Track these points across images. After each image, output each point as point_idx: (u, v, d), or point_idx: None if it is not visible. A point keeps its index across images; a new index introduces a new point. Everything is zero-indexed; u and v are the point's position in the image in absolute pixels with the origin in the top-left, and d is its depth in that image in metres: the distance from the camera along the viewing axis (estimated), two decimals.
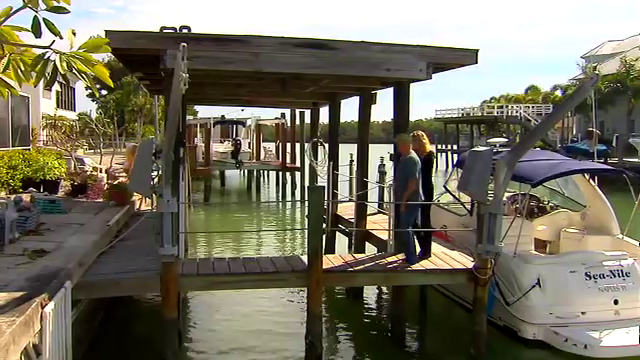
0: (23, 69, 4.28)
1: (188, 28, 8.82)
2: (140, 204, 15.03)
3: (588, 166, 12.58)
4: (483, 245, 8.97)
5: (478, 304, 9.23)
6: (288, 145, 36.00)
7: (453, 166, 16.64)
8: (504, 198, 9.10)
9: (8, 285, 6.66)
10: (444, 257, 10.33)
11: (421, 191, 9.88)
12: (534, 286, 9.64)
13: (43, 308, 6.10)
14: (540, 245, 11.64)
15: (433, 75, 9.88)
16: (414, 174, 9.68)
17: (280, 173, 36.11)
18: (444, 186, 13.48)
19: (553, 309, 9.61)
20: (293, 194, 33.50)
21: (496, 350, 9.48)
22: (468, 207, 11.57)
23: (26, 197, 12.49)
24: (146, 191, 9.06)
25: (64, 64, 3.92)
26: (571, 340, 9.18)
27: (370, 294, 12.91)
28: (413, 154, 9.85)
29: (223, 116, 38.63)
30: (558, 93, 72.06)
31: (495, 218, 8.80)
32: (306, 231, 9.39)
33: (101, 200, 14.61)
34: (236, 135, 42.79)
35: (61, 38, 3.94)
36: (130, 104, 59.65)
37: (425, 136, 10.48)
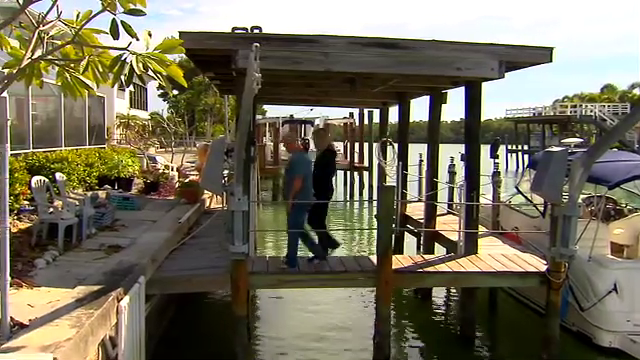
0: (101, 70, 4.41)
1: (259, 28, 8.90)
2: (210, 202, 15.31)
3: None
4: (557, 248, 8.72)
5: (551, 308, 8.98)
6: (356, 145, 35.88)
7: (524, 167, 16.26)
8: (579, 200, 8.82)
9: (86, 279, 6.92)
10: (516, 259, 10.11)
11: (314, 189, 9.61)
12: (610, 292, 9.33)
13: (119, 302, 6.30)
14: (617, 249, 11.20)
15: (505, 74, 9.67)
16: (297, 172, 9.44)
17: (348, 172, 36.15)
18: (516, 187, 13.21)
19: (631, 316, 9.27)
20: (361, 194, 33.55)
21: (569, 357, 9.23)
22: (541, 209, 11.28)
23: (102, 194, 12.92)
24: (217, 189, 9.22)
25: (140, 65, 4.01)
26: None
27: (439, 295, 12.76)
28: (303, 153, 9.77)
29: (292, 115, 38.98)
30: (636, 92, 69.41)
31: (570, 220, 8.53)
32: (374, 231, 9.32)
33: (172, 198, 14.98)
34: (304, 134, 43.03)
35: (137, 40, 4.04)
36: (200, 104, 60.80)
37: (327, 132, 10.79)
